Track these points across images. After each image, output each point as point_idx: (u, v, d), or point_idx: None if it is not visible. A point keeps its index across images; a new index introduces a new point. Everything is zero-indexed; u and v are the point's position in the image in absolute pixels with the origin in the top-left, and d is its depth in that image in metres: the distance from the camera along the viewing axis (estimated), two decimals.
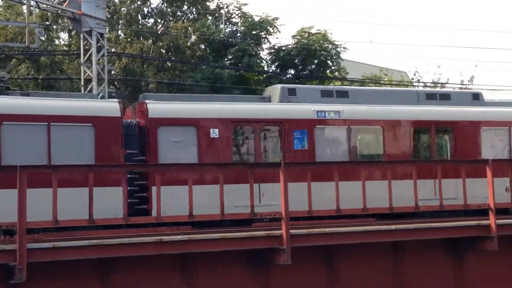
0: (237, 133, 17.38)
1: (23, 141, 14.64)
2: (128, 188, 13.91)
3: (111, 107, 15.77)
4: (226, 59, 31.65)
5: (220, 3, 33.53)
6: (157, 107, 16.54)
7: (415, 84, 36.90)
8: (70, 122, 15.15)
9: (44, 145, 14.77)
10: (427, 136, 19.24)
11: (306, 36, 32.10)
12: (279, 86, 18.92)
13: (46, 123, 14.81)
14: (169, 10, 33.13)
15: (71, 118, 15.21)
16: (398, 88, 22.53)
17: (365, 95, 19.28)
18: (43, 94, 17.71)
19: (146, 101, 16.71)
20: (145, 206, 15.68)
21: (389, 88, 25.20)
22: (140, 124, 16.41)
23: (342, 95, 18.81)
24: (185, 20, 32.81)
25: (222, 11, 32.88)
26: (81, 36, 23.37)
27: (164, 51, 32.29)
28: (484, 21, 78.37)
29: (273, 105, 18.07)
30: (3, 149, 14.34)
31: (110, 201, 12.25)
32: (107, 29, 25.97)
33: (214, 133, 16.60)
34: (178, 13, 33.55)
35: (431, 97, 19.90)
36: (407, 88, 21.59)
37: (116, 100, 16.61)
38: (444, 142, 19.49)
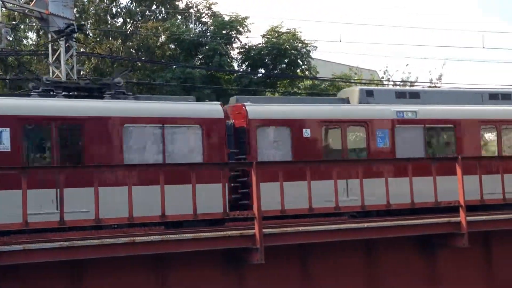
0: (327, 132, 18.25)
1: (142, 141, 15.83)
2: (232, 184, 16.09)
3: (216, 109, 16.82)
4: (196, 58, 31.53)
5: (190, 2, 33.44)
6: (256, 109, 17.41)
7: (385, 83, 37.21)
8: (181, 123, 16.33)
9: (160, 144, 15.94)
10: (494, 134, 20.27)
11: (276, 35, 32.15)
12: (357, 88, 20.26)
13: (161, 125, 15.90)
14: (138, 9, 32.89)
15: (182, 120, 16.34)
16: (463, 89, 23.50)
17: (434, 96, 20.61)
18: (153, 97, 18.87)
19: (245, 103, 17.49)
20: (247, 202, 16.03)
21: (456, 89, 25.94)
22: (236, 125, 17.21)
23: (415, 96, 20.07)
24: (154, 20, 32.62)
25: (191, 10, 32.75)
26: (49, 36, 23.06)
27: (134, 51, 32.04)
28: (453, 20, 79.42)
29: (358, 106, 19.08)
30: (125, 148, 15.57)
31: (214, 198, 13.18)
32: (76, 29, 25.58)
33: (307, 132, 17.57)
34: (147, 12, 33.32)
35: (494, 97, 21.17)
36: (471, 89, 22.55)
37: (219, 103, 17.59)
38: (509, 139, 20.61)
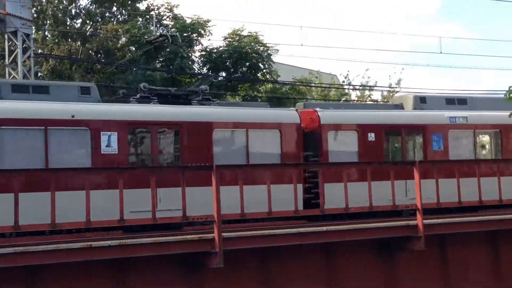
0: (388, 136, 19.70)
1: (228, 143, 17.22)
2: (307, 185, 17.27)
3: (292, 115, 18.12)
4: (157, 61, 31.32)
5: (151, 4, 33.18)
6: (327, 115, 18.68)
7: (345, 87, 37.49)
8: (263, 128, 17.58)
9: (244, 146, 17.23)
10: None
11: (237, 38, 32.14)
12: (411, 95, 21.27)
13: (245, 129, 17.23)
14: (97, 11, 32.52)
15: (263, 124, 17.60)
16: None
17: (480, 102, 21.86)
18: (233, 104, 20.63)
19: (317, 109, 18.81)
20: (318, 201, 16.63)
21: (498, 96, 26.66)
22: (307, 129, 18.37)
23: (462, 103, 21.43)
24: (114, 22, 32.28)
25: (152, 13, 32.52)
26: (6, 36, 22.64)
27: (93, 53, 31.66)
28: (413, 26, 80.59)
29: (415, 112, 20.33)
30: (215, 150, 16.76)
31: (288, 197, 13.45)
32: (33, 30, 25.24)
33: (371, 136, 18.91)
34: (107, 14, 32.97)
35: None
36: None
37: (295, 108, 18.83)
38: None
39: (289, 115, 18.04)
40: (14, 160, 14.57)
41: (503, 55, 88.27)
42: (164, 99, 17.40)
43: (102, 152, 15.49)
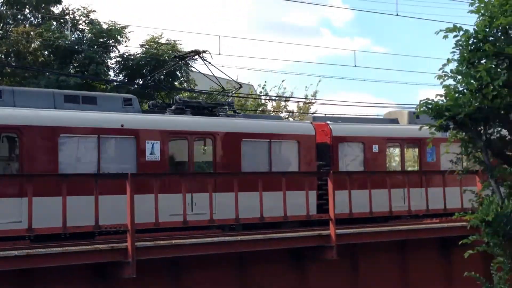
0: (389, 148, 21.49)
1: (254, 152, 18.42)
2: (319, 191, 18.48)
3: (309, 127, 19.51)
4: (71, 66, 30.54)
5: (66, 8, 32.35)
6: (337, 128, 20.20)
7: (262, 97, 37.78)
8: (283, 139, 19.02)
9: (267, 155, 18.51)
10: None
11: (155, 46, 31.81)
12: (405, 111, 22.69)
13: (269, 140, 18.56)
14: (9, 12, 31.42)
15: (284, 136, 19.02)
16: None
17: None
18: (253, 116, 21.94)
19: (328, 122, 20.29)
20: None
21: None
22: (318, 140, 19.67)
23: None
24: (27, 25, 31.28)
25: (67, 17, 31.72)
26: None
27: (3, 56, 30.52)
28: (328, 40, 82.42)
29: (412, 126, 21.20)
30: (243, 158, 17.96)
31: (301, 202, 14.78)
32: None
33: (375, 148, 20.48)
34: (19, 16, 31.91)
35: None
36: None
37: (309, 121, 20.25)
38: None
39: (305, 127, 19.59)
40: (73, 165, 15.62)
41: (411, 69, 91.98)
42: (195, 111, 18.50)
43: (146, 159, 16.45)
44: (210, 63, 20.39)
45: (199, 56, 21.15)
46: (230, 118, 18.91)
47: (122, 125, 16.35)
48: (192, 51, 21.76)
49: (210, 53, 20.83)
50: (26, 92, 16.69)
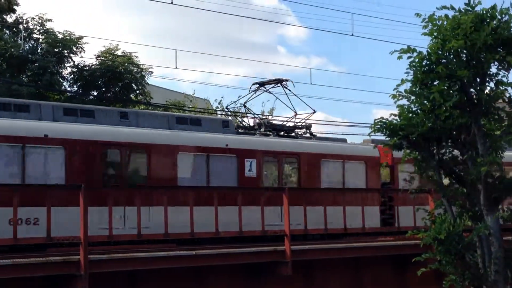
0: None
1: (330, 170, 20.64)
2: (383, 207, 21.20)
3: (374, 150, 21.16)
4: (24, 75, 30.00)
5: (20, 17, 31.81)
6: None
7: (218, 112, 37.79)
8: (353, 160, 21.18)
9: (341, 174, 20.74)
10: None
11: (110, 57, 31.55)
12: None
13: (342, 160, 20.81)
14: None
15: (354, 157, 21.20)
16: None
17: None
18: (323, 138, 23.03)
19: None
20: (392, 221, 20.98)
21: None
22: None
23: None
24: None
25: (21, 26, 31.19)
26: None
27: None
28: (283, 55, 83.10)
29: None
30: (322, 177, 20.27)
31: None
32: None
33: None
34: None
35: None
36: None
37: (374, 144, 21.25)
38: None
39: (372, 150, 21.32)
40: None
41: (366, 89, 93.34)
42: (278, 133, 20.86)
43: (245, 175, 18.53)
44: (290, 90, 22.21)
45: (281, 84, 22.35)
46: (309, 140, 21.17)
47: (226, 145, 18.41)
48: (275, 80, 22.70)
49: (292, 82, 22.55)
50: (148, 114, 18.92)
